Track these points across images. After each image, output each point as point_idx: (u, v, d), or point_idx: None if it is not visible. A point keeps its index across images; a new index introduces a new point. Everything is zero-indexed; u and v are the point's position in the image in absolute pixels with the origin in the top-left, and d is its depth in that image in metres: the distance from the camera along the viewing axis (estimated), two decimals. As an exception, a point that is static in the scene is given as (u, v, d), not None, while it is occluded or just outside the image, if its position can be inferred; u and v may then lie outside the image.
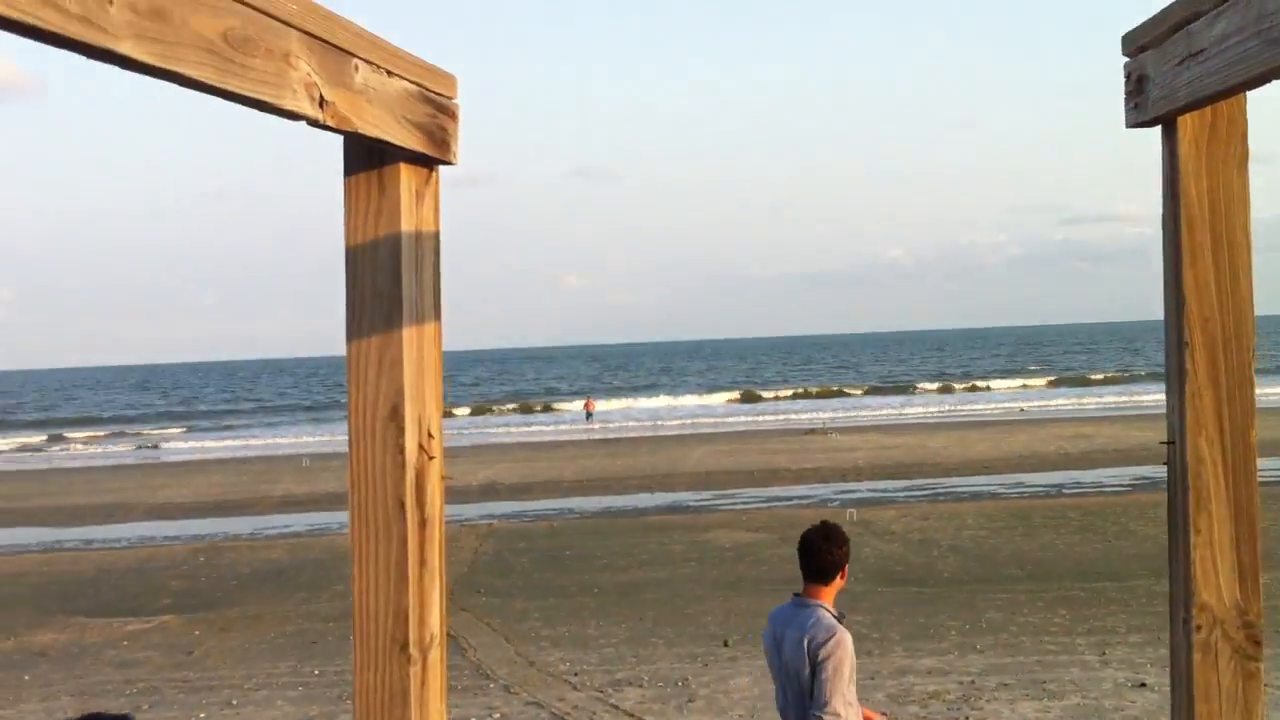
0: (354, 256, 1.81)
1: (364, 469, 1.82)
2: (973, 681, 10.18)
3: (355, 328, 1.81)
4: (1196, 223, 1.59)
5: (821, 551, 4.99)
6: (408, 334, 1.81)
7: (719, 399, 63.83)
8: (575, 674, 11.03)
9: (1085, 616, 12.08)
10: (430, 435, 1.89)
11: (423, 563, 1.82)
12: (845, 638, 4.87)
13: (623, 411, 57.34)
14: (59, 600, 15.66)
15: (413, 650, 1.78)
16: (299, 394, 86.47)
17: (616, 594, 14.57)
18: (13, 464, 40.87)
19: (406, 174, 1.84)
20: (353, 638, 1.83)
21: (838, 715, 4.75)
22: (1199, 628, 1.60)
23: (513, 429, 47.75)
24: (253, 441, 46.68)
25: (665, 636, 12.31)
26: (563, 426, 48.10)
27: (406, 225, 1.82)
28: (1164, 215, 1.68)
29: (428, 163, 1.90)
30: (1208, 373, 1.60)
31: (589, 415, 50.69)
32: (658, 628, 12.72)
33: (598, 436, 41.72)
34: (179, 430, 56.06)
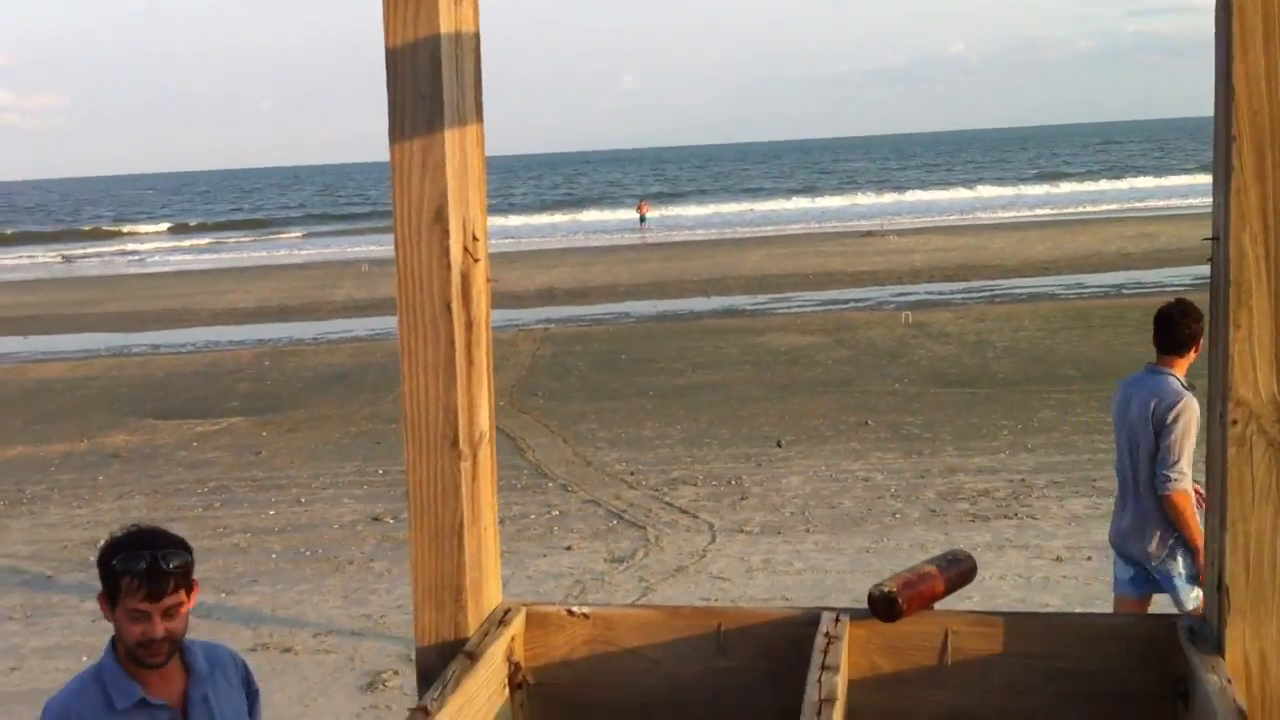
0: (394, 59, 1.79)
1: (410, 272, 1.84)
2: (1023, 479, 10.30)
3: (398, 131, 1.80)
4: (1248, 10, 1.53)
5: (1180, 325, 5.37)
6: (450, 136, 1.80)
7: (776, 202, 63.21)
8: (631, 473, 11.28)
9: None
10: (475, 238, 1.89)
11: (470, 362, 1.85)
12: (1193, 403, 5.26)
13: (677, 216, 57.03)
14: (130, 403, 16.12)
15: (463, 446, 1.83)
16: (348, 201, 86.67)
17: (672, 396, 14.76)
18: (77, 269, 41.59)
19: None
20: (404, 435, 1.88)
21: (1184, 474, 5.23)
22: (1234, 422, 1.60)
23: (568, 234, 47.71)
24: (311, 248, 47.08)
25: (719, 437, 12.51)
26: (618, 231, 48.00)
27: (446, 26, 1.79)
28: (1216, 9, 1.61)
29: None
30: (1254, 168, 1.55)
31: (642, 219, 50.35)
32: (712, 429, 12.91)
33: (653, 241, 41.63)
34: (240, 236, 56.57)
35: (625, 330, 20.84)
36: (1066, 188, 61.34)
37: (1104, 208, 46.15)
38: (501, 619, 1.91)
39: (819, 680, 1.69)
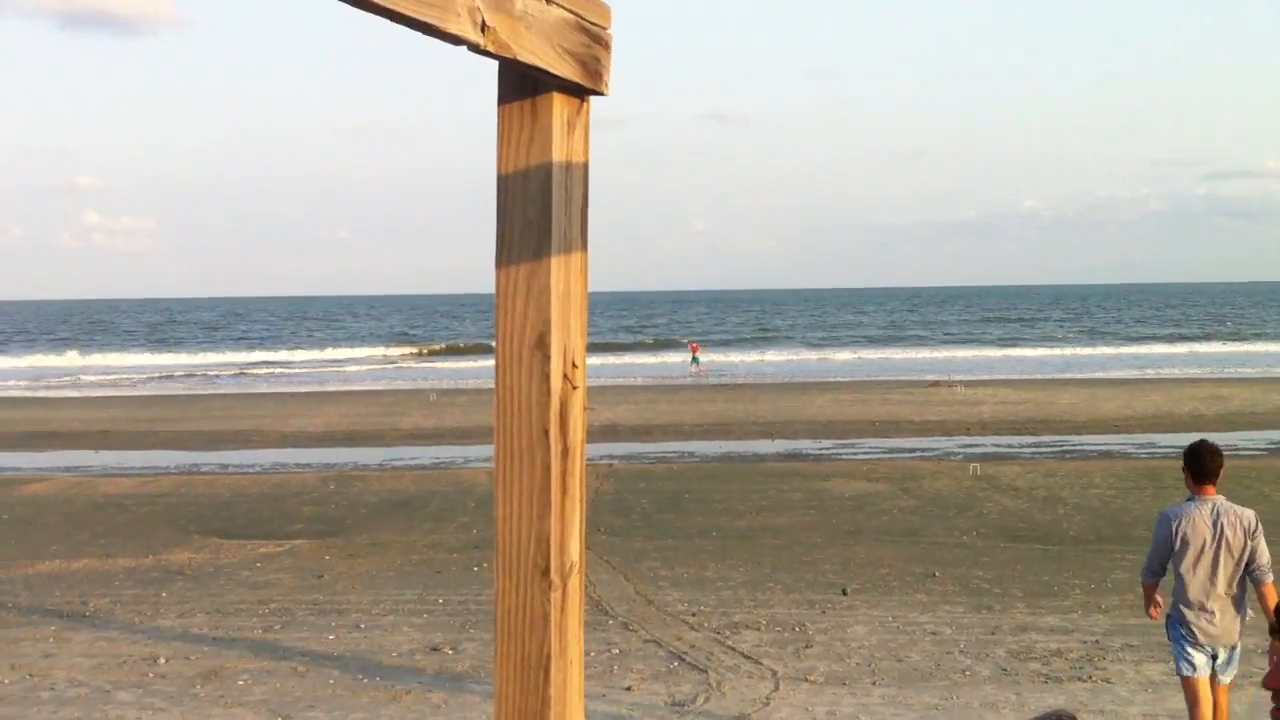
0: (505, 185, 1.81)
1: (510, 396, 1.83)
2: (1097, 641, 10.02)
3: (505, 256, 1.82)
4: None
5: (1213, 459, 6.77)
6: (555, 263, 1.81)
7: (840, 349, 63.27)
8: (693, 614, 11.12)
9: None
10: (574, 365, 1.89)
11: (564, 491, 1.83)
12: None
13: (742, 360, 57.18)
14: (195, 521, 16.24)
15: (554, 576, 1.80)
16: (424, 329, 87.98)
17: (735, 538, 14.62)
18: (150, 389, 42.34)
19: (559, 103, 1.84)
20: (496, 562, 1.85)
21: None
22: None
23: (634, 372, 47.94)
24: (380, 379, 47.66)
25: (783, 582, 12.33)
26: (680, 373, 48.15)
27: (558, 155, 1.82)
28: None
29: (580, 92, 1.90)
30: None
31: (694, 360, 50.39)
32: (775, 573, 12.74)
33: (716, 383, 41.71)
34: (306, 360, 57.45)
35: (689, 470, 20.77)
36: (1136, 347, 60.85)
37: (1173, 365, 45.72)
38: None
39: None
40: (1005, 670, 9.29)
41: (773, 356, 58.14)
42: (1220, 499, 6.80)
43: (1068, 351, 58.04)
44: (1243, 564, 6.68)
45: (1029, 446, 23.23)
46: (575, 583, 1.95)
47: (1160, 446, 22.99)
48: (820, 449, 23.39)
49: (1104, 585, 11.93)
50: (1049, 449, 22.84)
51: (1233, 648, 6.80)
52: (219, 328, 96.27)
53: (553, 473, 1.83)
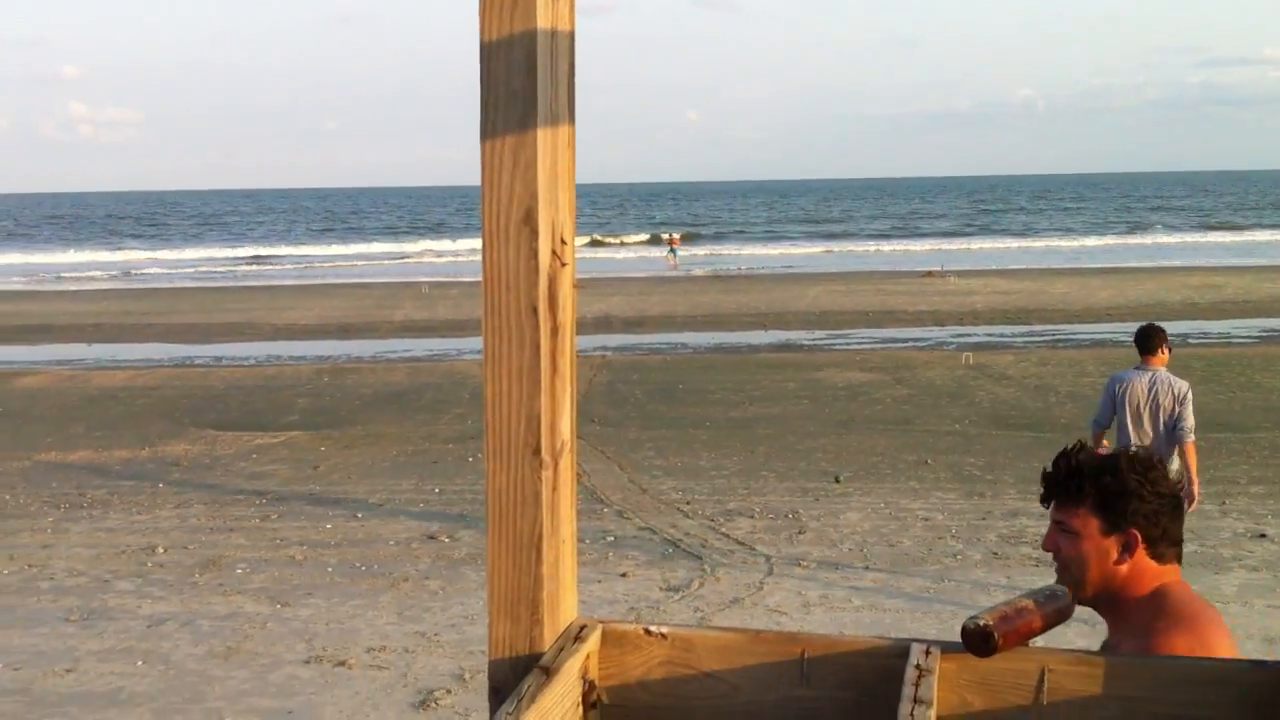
0: (488, 53, 1.73)
1: (497, 274, 1.77)
2: (1087, 526, 10.11)
3: (489, 128, 1.75)
4: None
5: (1155, 336, 8.16)
6: (542, 136, 1.74)
7: (832, 242, 63.04)
8: (687, 502, 11.21)
9: (1205, 466, 11.81)
10: (563, 241, 1.84)
11: (555, 369, 1.79)
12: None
13: (735, 252, 57.00)
14: (191, 413, 16.27)
15: (545, 455, 1.76)
16: (411, 217, 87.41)
17: (729, 428, 14.69)
18: (143, 281, 42.16)
19: None
20: (485, 442, 1.82)
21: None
22: None
23: (627, 264, 47.78)
24: (376, 265, 47.47)
25: (776, 470, 12.41)
26: (681, 260, 48.00)
27: (543, 23, 1.74)
28: None
29: None
30: None
31: (672, 251, 50.09)
32: (769, 462, 12.82)
33: (711, 273, 41.61)
34: (300, 251, 57.16)
35: (682, 361, 20.80)
36: (1130, 237, 60.66)
37: (1166, 252, 45.60)
38: (577, 635, 1.85)
39: (911, 714, 1.61)
40: (996, 554, 9.39)
41: (765, 249, 57.93)
42: (1161, 370, 8.11)
43: (1062, 242, 57.86)
44: (1171, 424, 7.95)
45: (1021, 335, 23.27)
46: (567, 462, 1.92)
47: (1152, 335, 23.02)
48: (814, 339, 23.42)
49: (1094, 472, 12.00)
50: (1041, 338, 22.89)
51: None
52: (209, 222, 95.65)
53: (542, 351, 1.79)
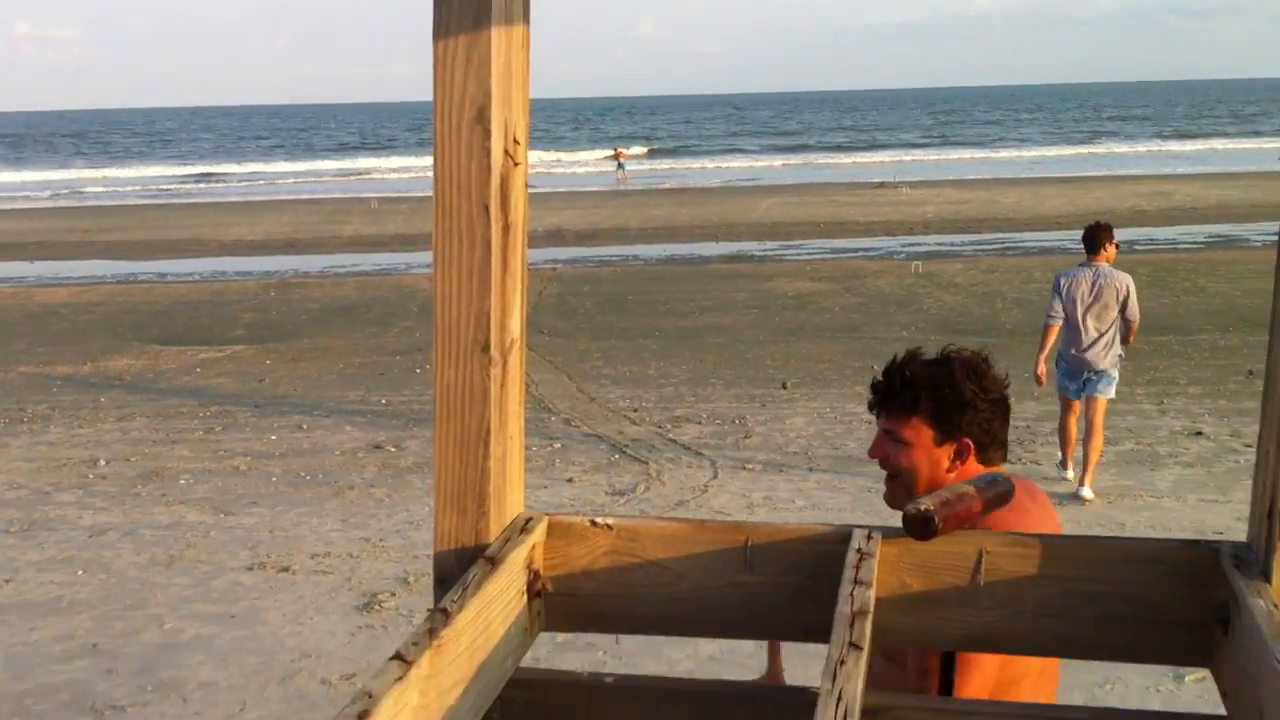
0: None
1: (448, 173, 1.75)
2: (1027, 426, 10.24)
3: (442, 26, 1.71)
4: None
5: (1100, 233, 8.70)
6: (496, 35, 1.70)
7: (788, 155, 62.86)
8: (635, 410, 11.23)
9: (1146, 368, 12.02)
10: (516, 141, 1.80)
11: (505, 267, 1.77)
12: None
13: (693, 161, 56.73)
14: (134, 329, 16.08)
15: (494, 352, 1.75)
16: (362, 134, 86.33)
17: (678, 338, 14.70)
18: (87, 199, 41.46)
19: None
20: (434, 340, 1.80)
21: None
22: None
23: (581, 179, 47.46)
24: (323, 180, 46.88)
25: (724, 378, 12.45)
26: (630, 173, 47.73)
27: None
28: None
29: None
30: None
31: (620, 165, 49.74)
32: (717, 370, 12.86)
33: (663, 186, 41.40)
34: (248, 169, 56.36)
35: (633, 272, 20.75)
36: (1085, 147, 60.85)
37: (1118, 161, 45.79)
38: (523, 527, 1.85)
39: (851, 594, 1.62)
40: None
41: (721, 162, 57.69)
42: (1104, 266, 8.66)
43: (1019, 152, 57.96)
44: (1114, 313, 8.56)
45: (971, 244, 23.35)
46: (516, 360, 1.90)
47: (1100, 242, 23.16)
48: (765, 250, 23.40)
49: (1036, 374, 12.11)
50: (990, 246, 22.98)
51: (1100, 372, 8.62)
52: (155, 139, 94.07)
53: (493, 249, 1.76)
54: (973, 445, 2.57)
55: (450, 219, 1.71)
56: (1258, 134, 62.85)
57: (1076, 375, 8.72)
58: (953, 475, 2.56)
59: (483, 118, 1.67)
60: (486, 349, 1.74)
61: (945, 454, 2.57)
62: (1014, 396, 9.16)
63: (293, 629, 6.55)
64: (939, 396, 2.55)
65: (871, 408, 2.66)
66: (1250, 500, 1.71)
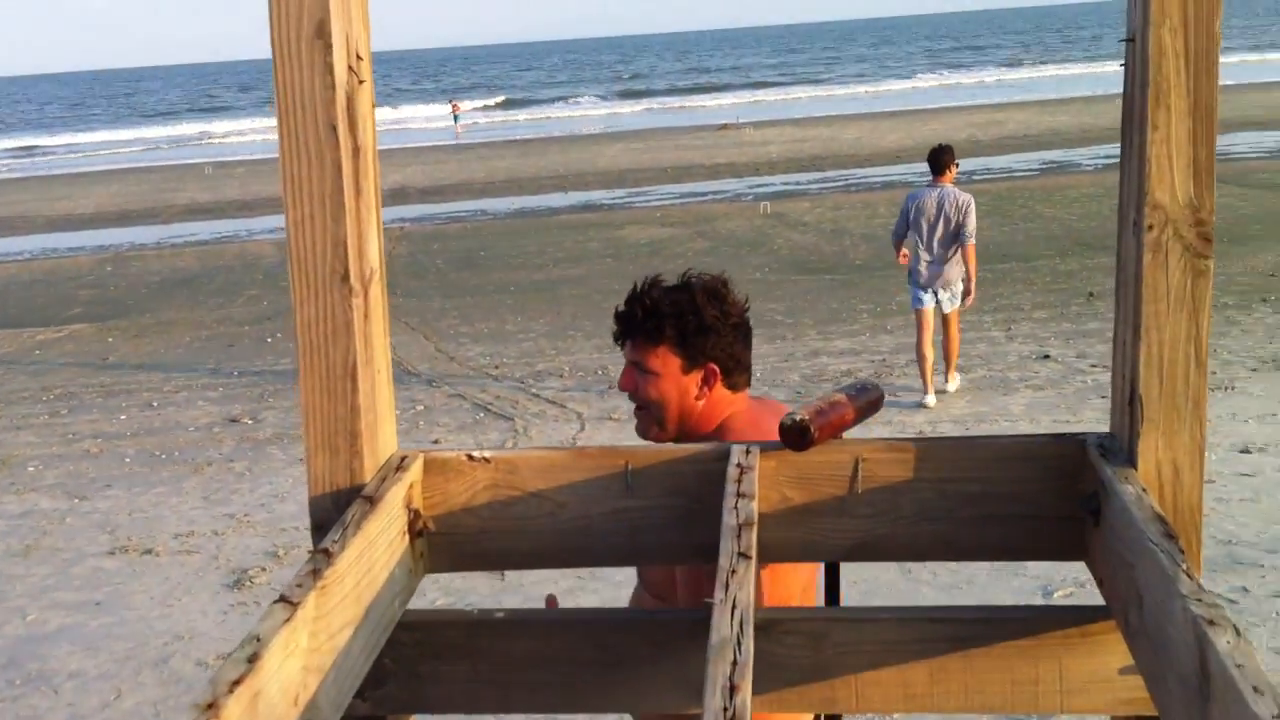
0: None
1: (289, 93, 1.66)
2: (884, 359, 10.46)
3: None
4: None
5: (943, 155, 9.24)
6: None
7: (632, 100, 62.77)
8: (496, 367, 11.15)
9: (991, 296, 12.35)
10: (359, 57, 1.73)
11: (358, 192, 1.70)
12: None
13: (532, 113, 56.27)
14: (-36, 313, 15.36)
15: (354, 282, 1.68)
16: (178, 96, 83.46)
17: (533, 291, 14.62)
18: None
19: None
20: (291, 272, 1.73)
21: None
22: (1150, 227, 1.55)
23: (422, 134, 46.70)
24: (151, 149, 45.23)
25: (584, 329, 12.43)
26: (467, 126, 47.14)
27: None
28: None
29: None
30: None
31: (455, 118, 49.18)
32: (576, 321, 12.83)
33: (507, 138, 41.01)
34: (70, 140, 54.08)
35: (483, 227, 20.55)
36: (916, 78, 62.02)
37: (950, 91, 46.83)
38: (399, 465, 1.79)
39: (735, 507, 1.62)
40: (800, 393, 9.63)
41: (564, 111, 57.34)
42: (948, 186, 9.17)
43: (853, 89, 58.80)
44: (955, 231, 9.05)
45: (816, 182, 23.69)
46: (377, 290, 1.84)
47: (940, 175, 23.68)
48: (614, 198, 23.38)
49: (889, 308, 12.40)
50: (835, 183, 23.34)
51: (949, 286, 9.19)
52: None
53: (344, 172, 1.69)
54: (719, 370, 2.58)
55: (296, 140, 1.64)
56: (1091, 59, 64.86)
57: (928, 288, 9.24)
58: (701, 402, 2.58)
59: (323, 32, 1.60)
60: (346, 278, 1.69)
61: (693, 381, 2.57)
62: (869, 333, 9.46)
63: (162, 611, 6.36)
64: (683, 324, 2.55)
65: (616, 339, 2.64)
66: (1110, 391, 1.76)
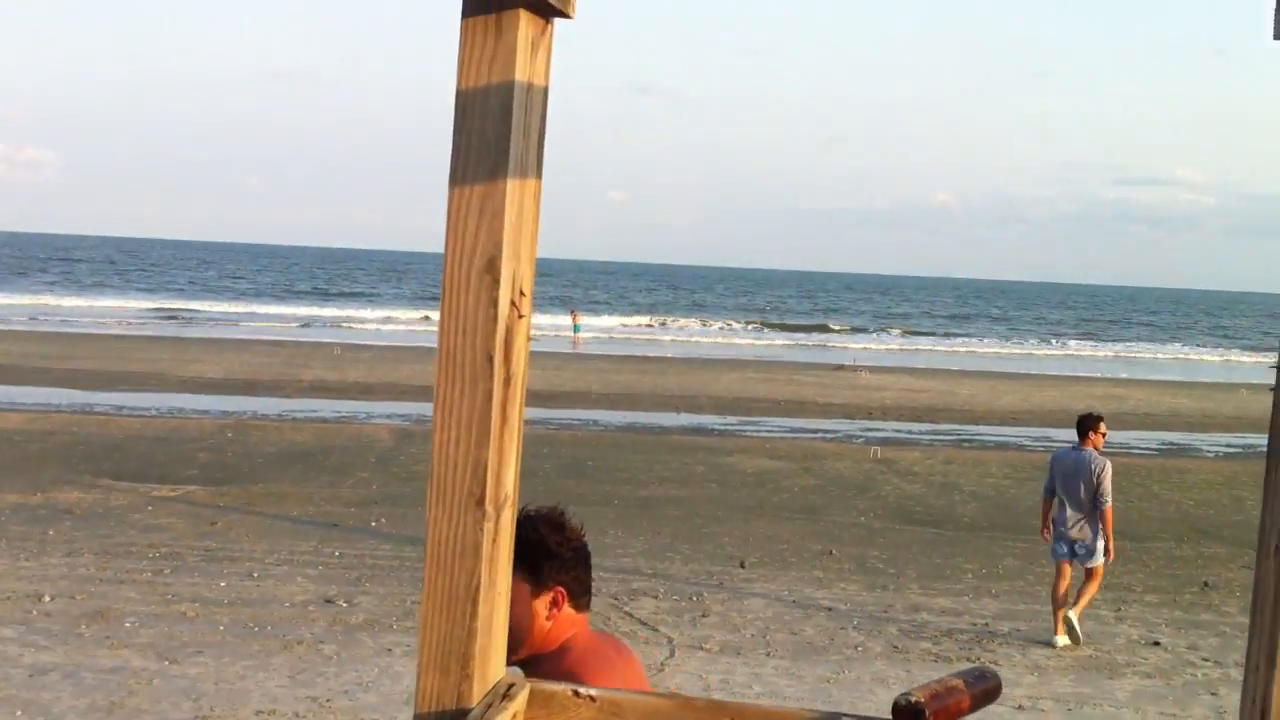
0: (464, 101, 1.74)
1: (455, 321, 1.77)
2: (986, 624, 10.21)
3: (459, 175, 1.75)
4: None
5: (1086, 422, 10.13)
6: (511, 186, 1.75)
7: (747, 332, 63.67)
8: (592, 580, 11.10)
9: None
10: (522, 293, 1.83)
11: (505, 420, 1.78)
12: (1108, 462, 10.05)
13: (654, 331, 57.30)
14: (87, 461, 15.85)
15: (488, 506, 1.74)
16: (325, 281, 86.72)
17: (636, 508, 14.65)
18: (48, 326, 41.22)
19: (525, 20, 1.77)
20: (430, 491, 1.80)
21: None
22: None
23: (542, 337, 47.74)
24: (287, 325, 46.90)
25: (682, 553, 12.38)
26: (590, 339, 48.10)
27: (520, 75, 1.75)
28: None
29: (545, 12, 1.83)
30: None
31: (576, 328, 50.15)
32: (675, 544, 12.79)
33: (626, 353, 41.71)
34: (213, 308, 56.35)
35: (593, 438, 20.76)
36: (1041, 344, 61.99)
37: (1072, 360, 46.66)
38: (505, 693, 1.81)
39: None
40: (896, 648, 9.43)
41: (682, 336, 58.29)
42: (1090, 450, 9.96)
43: (970, 347, 58.94)
44: (1093, 493, 9.84)
45: (928, 433, 23.58)
46: (509, 515, 1.90)
47: (1055, 440, 23.38)
48: (725, 425, 23.52)
49: (995, 571, 12.16)
50: (947, 437, 23.21)
51: (1086, 544, 9.95)
52: (121, 270, 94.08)
53: (494, 400, 1.77)
54: (566, 593, 2.77)
55: (454, 366, 1.73)
56: (1200, 345, 64.35)
57: (1063, 541, 10.06)
58: (550, 624, 2.76)
59: (493, 268, 1.70)
60: (481, 502, 1.74)
61: (542, 604, 2.76)
62: (972, 594, 9.29)
63: (233, 790, 6.32)
64: (530, 551, 2.71)
65: None
66: (1239, 714, 1.71)
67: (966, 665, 8.93)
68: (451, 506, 1.75)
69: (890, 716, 1.85)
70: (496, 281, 1.72)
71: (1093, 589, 10.07)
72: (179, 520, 12.77)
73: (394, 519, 13.19)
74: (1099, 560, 10.01)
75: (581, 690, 1.90)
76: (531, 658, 2.75)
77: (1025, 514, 15.30)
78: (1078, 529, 9.97)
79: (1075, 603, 9.87)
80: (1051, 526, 10.21)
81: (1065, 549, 10.04)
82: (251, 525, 12.72)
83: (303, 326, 47.92)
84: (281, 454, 17.23)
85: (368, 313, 58.22)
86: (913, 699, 1.83)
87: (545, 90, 1.89)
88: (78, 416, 20.15)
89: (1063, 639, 9.63)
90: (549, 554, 2.76)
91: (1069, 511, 9.98)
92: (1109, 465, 9.89)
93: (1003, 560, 12.64)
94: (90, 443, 17.36)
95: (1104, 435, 10.16)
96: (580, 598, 2.84)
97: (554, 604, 2.77)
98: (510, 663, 2.70)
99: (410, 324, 52.43)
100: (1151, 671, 9.14)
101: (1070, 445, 10.33)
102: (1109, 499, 9.86)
